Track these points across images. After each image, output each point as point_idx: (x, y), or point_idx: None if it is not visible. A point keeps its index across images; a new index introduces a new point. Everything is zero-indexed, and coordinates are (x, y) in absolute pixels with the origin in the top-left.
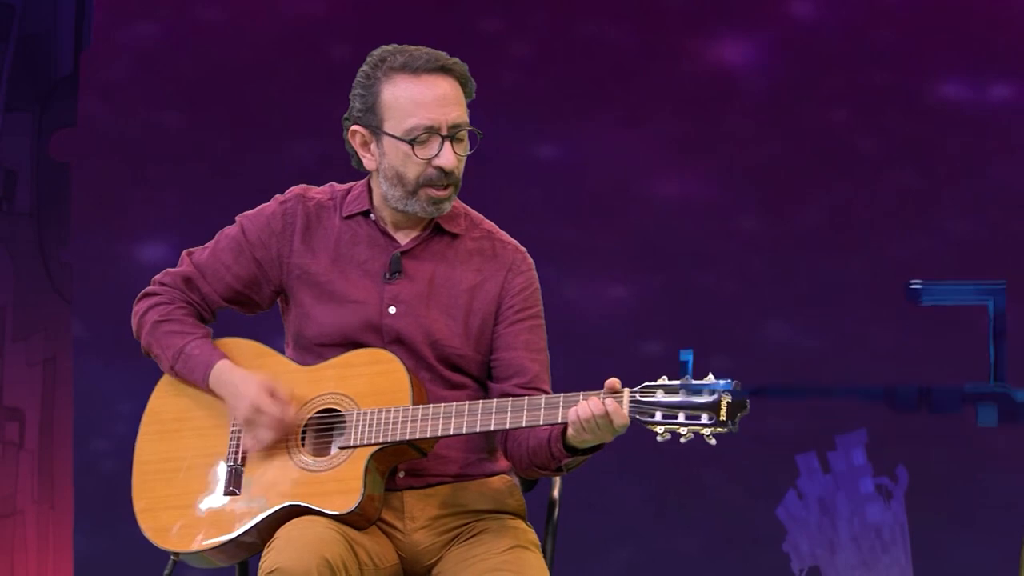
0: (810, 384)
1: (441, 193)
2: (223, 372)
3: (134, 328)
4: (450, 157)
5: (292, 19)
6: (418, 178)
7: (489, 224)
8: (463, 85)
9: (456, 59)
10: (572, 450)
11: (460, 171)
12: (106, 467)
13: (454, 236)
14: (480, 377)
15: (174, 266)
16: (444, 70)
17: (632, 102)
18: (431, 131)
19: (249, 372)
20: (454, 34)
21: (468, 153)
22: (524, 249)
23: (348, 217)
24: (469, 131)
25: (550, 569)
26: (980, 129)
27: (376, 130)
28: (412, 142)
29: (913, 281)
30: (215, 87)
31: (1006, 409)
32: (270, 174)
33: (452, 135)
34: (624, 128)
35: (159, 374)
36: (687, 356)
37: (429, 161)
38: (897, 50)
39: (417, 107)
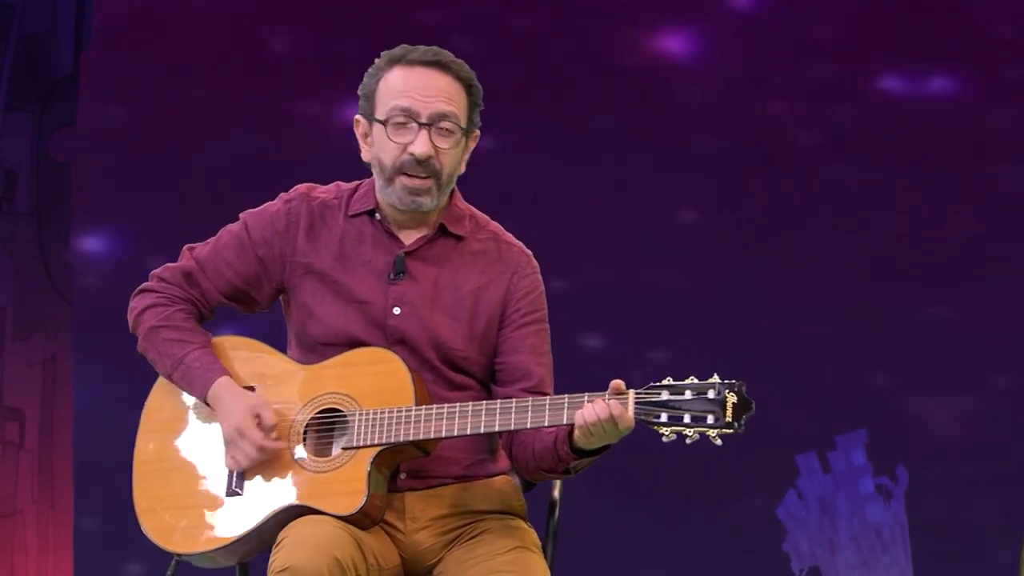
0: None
1: (416, 182)
2: (221, 389)
3: (130, 324)
4: (423, 144)
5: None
6: (393, 163)
7: (495, 225)
8: (463, 86)
9: (462, 62)
10: (579, 452)
11: (444, 165)
12: (105, 467)
13: (459, 238)
14: (483, 379)
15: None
16: (439, 64)
17: (571, 93)
18: (408, 114)
19: (243, 392)
20: (391, 25)
21: (452, 149)
22: (529, 252)
23: (353, 216)
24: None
25: (551, 570)
26: (920, 122)
27: (370, 118)
28: (387, 123)
29: None
30: (212, 84)
31: None
32: (271, 172)
33: (432, 124)
34: (563, 119)
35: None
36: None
37: (405, 148)
38: (837, 44)
39: (401, 92)
